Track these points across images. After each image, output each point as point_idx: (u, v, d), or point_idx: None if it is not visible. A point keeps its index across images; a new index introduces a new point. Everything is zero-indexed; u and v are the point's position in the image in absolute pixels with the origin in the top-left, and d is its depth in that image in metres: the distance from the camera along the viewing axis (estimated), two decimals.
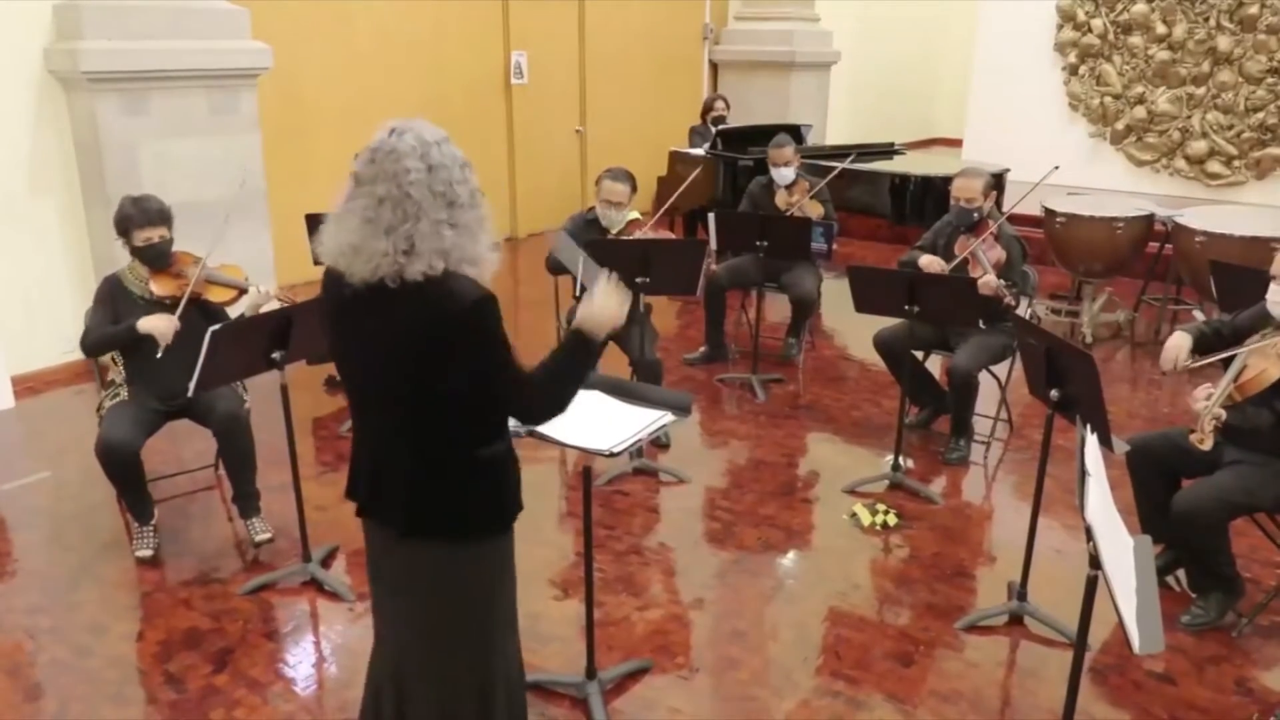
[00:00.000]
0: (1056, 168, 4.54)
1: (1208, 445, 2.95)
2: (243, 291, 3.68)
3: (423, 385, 1.92)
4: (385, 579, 2.15)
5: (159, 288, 3.56)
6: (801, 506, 4.08)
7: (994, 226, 4.36)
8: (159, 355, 3.39)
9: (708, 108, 8.33)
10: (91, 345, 3.55)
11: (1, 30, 5.05)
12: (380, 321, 1.92)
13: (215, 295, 3.66)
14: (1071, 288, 6.66)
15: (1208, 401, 2.97)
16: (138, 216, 3.48)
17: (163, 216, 3.53)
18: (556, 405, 2.05)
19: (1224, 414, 2.96)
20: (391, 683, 2.17)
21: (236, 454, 3.63)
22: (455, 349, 1.88)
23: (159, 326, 3.42)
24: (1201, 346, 3.22)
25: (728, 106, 8.39)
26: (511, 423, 2.20)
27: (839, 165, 5.88)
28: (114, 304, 3.54)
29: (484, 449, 2.01)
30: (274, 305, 3.53)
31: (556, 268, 4.55)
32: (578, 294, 4.40)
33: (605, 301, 2.09)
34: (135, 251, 3.54)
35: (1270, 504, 3.13)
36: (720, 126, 7.95)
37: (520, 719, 2.28)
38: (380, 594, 2.18)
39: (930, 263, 4.34)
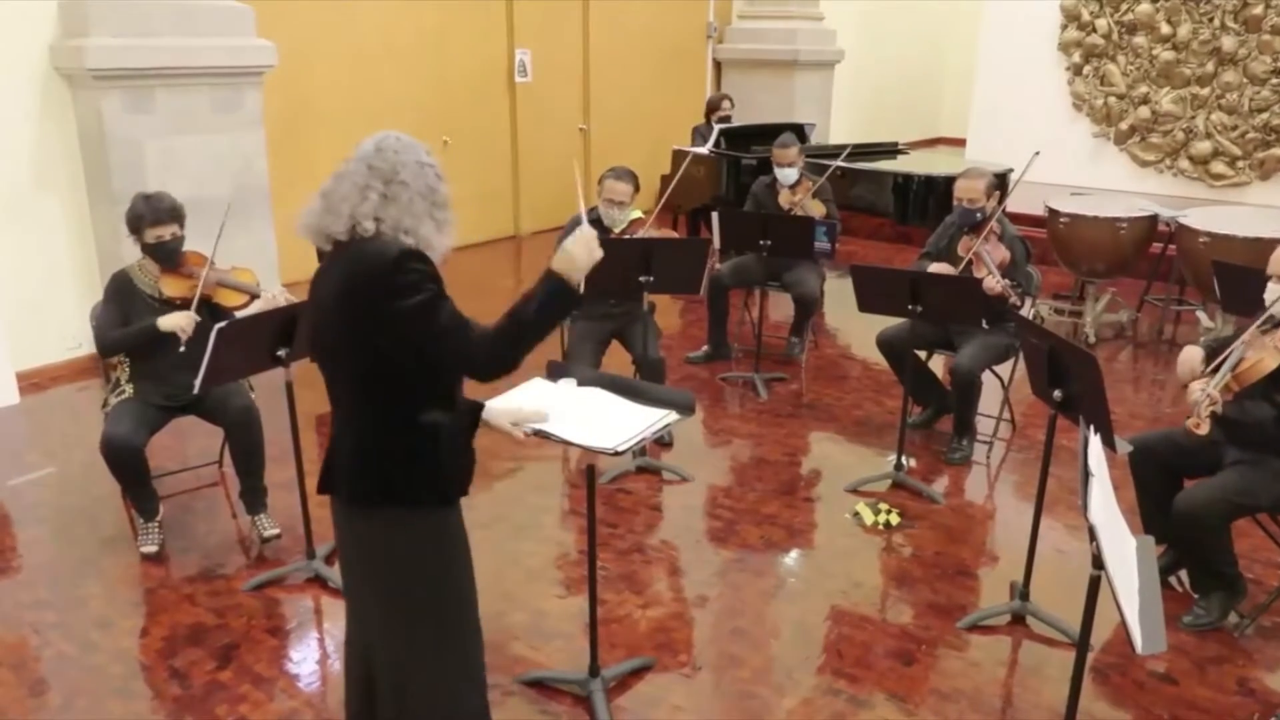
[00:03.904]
0: (1037, 153, 4.51)
1: (1204, 430, 2.95)
2: (254, 297, 3.68)
3: (350, 343, 1.98)
4: (343, 553, 2.20)
5: (169, 288, 3.57)
6: (804, 505, 4.09)
7: (995, 225, 4.36)
8: (182, 349, 3.40)
9: (713, 107, 8.32)
10: (110, 346, 3.56)
11: (7, 27, 5.06)
12: (320, 284, 2.06)
13: (226, 299, 3.66)
14: (1074, 288, 6.66)
15: (1202, 392, 2.99)
16: (149, 214, 3.49)
17: (174, 214, 3.55)
18: (510, 353, 2.01)
19: (1219, 400, 2.97)
20: (364, 662, 2.21)
21: (247, 449, 3.63)
22: (378, 303, 1.92)
23: (179, 322, 3.44)
24: (1210, 359, 3.24)
25: (733, 106, 8.40)
26: (520, 424, 2.20)
27: (833, 163, 5.88)
28: (124, 302, 3.55)
29: (421, 414, 2.01)
30: None
31: None
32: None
33: (578, 245, 2.08)
34: (146, 249, 3.55)
35: (1271, 504, 3.13)
36: (724, 125, 7.95)
37: (479, 699, 2.25)
38: (342, 569, 2.24)
39: (941, 270, 4.34)
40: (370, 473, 2.04)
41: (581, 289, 2.08)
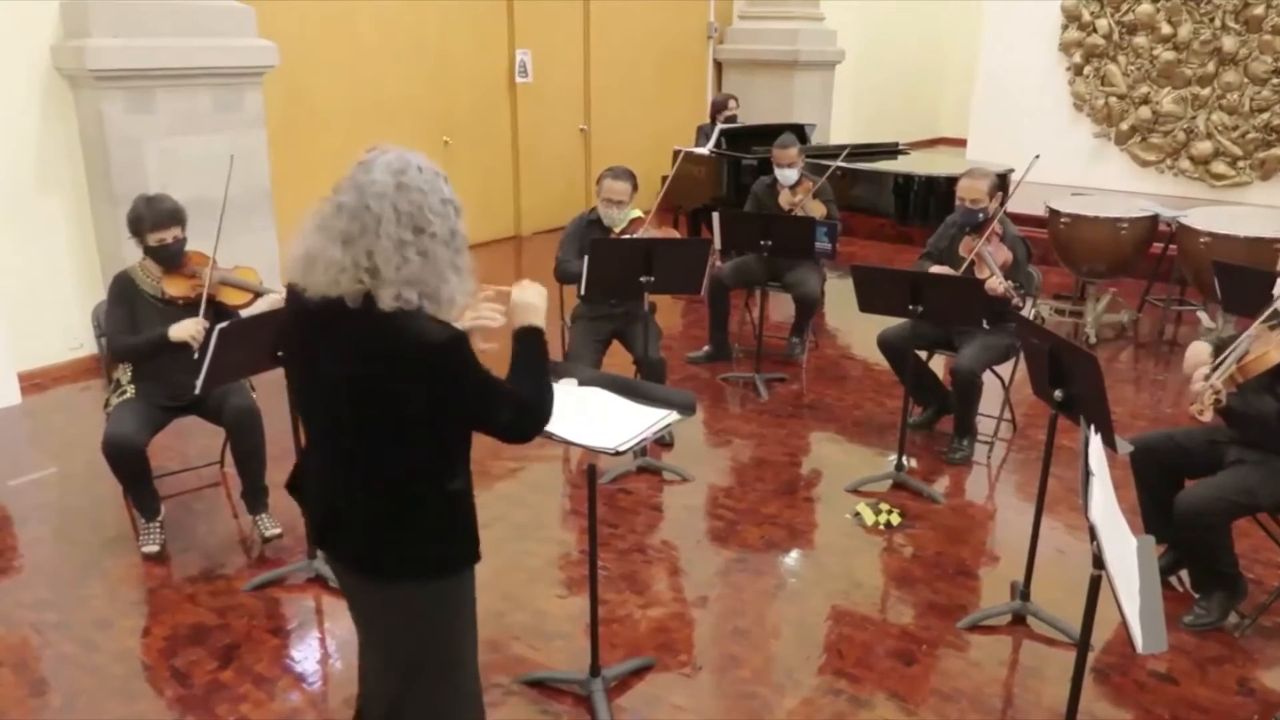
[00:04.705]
0: (1037, 157, 4.49)
1: (1207, 417, 2.98)
2: (258, 295, 3.69)
3: (377, 416, 1.84)
4: (353, 609, 2.11)
5: (171, 288, 3.58)
6: (804, 505, 4.09)
7: (997, 226, 4.36)
8: (195, 357, 3.35)
9: (720, 107, 8.29)
10: (121, 353, 3.56)
11: (8, 28, 5.07)
12: (336, 344, 1.84)
13: (230, 298, 3.67)
14: (1075, 288, 6.67)
15: (1205, 382, 3.00)
16: (150, 218, 3.49)
17: (175, 217, 3.54)
18: (546, 408, 2.00)
19: (1222, 390, 2.98)
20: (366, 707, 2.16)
21: (248, 449, 3.64)
22: (425, 384, 1.80)
23: (189, 331, 3.42)
24: (1217, 354, 3.24)
25: (738, 106, 8.39)
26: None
27: (832, 164, 5.88)
28: (129, 304, 3.55)
29: (452, 482, 1.95)
30: None
31: (565, 277, 4.56)
32: (581, 294, 4.42)
33: (523, 296, 2.05)
34: (148, 251, 3.55)
35: (1272, 503, 3.13)
36: (727, 126, 7.95)
37: None
38: (354, 619, 2.14)
39: (941, 272, 4.34)
40: (398, 546, 1.93)
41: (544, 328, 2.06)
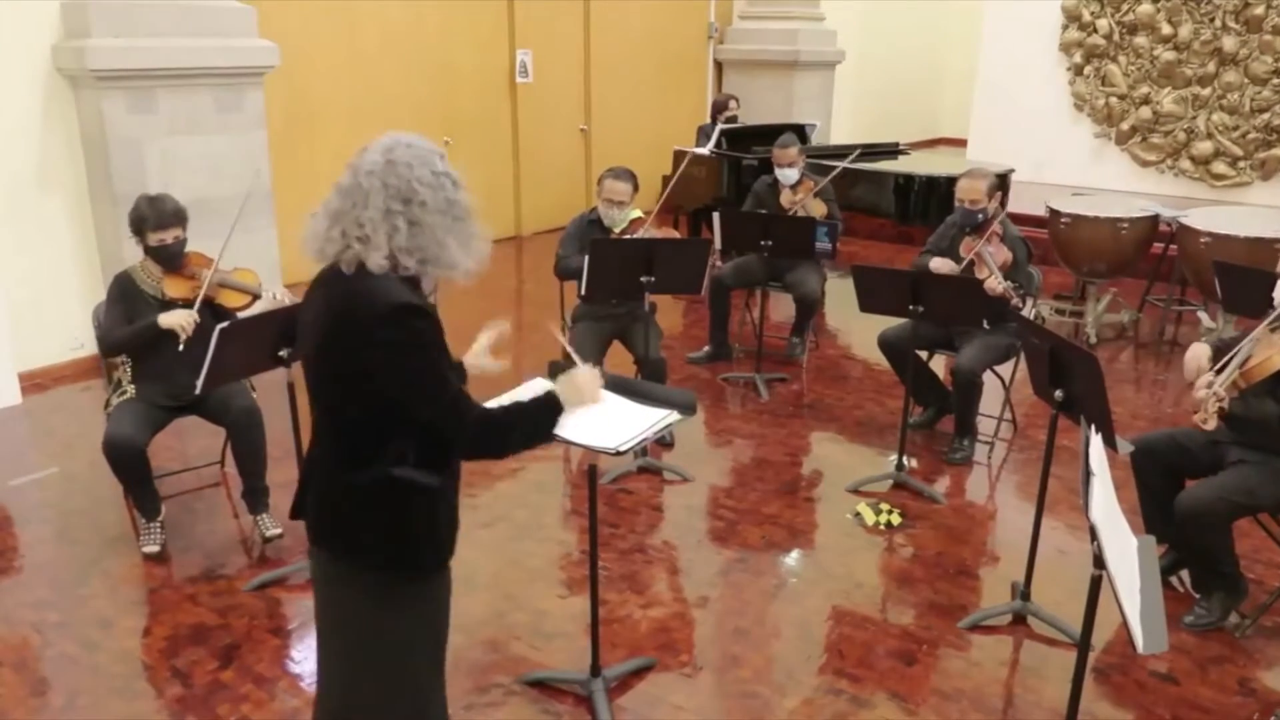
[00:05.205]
0: (1011, 172, 4.48)
1: (1211, 425, 2.97)
2: (256, 297, 3.69)
3: (329, 383, 1.88)
4: (314, 586, 2.08)
5: (171, 289, 3.58)
6: (805, 505, 4.09)
7: (997, 226, 4.36)
8: (180, 349, 3.39)
9: (720, 107, 8.29)
10: (112, 345, 3.57)
11: (10, 28, 5.07)
12: (311, 309, 1.94)
13: (228, 300, 3.67)
14: (1075, 288, 6.67)
15: (1209, 389, 3.00)
16: (153, 218, 3.50)
17: (178, 218, 3.55)
18: (492, 446, 1.95)
19: (1225, 397, 2.97)
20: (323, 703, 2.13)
21: (249, 449, 3.64)
22: (360, 352, 1.80)
23: (179, 320, 3.43)
24: (1217, 356, 3.24)
25: (739, 106, 8.39)
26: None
27: (840, 165, 5.88)
28: (128, 303, 3.55)
29: (393, 467, 1.87)
30: None
31: (564, 273, 4.56)
32: (582, 294, 4.42)
33: (571, 379, 2.13)
34: (149, 251, 3.56)
35: (1273, 504, 3.13)
36: (727, 126, 7.95)
37: None
38: (315, 603, 2.10)
39: (941, 265, 4.35)
40: (330, 519, 1.94)
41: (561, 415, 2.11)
